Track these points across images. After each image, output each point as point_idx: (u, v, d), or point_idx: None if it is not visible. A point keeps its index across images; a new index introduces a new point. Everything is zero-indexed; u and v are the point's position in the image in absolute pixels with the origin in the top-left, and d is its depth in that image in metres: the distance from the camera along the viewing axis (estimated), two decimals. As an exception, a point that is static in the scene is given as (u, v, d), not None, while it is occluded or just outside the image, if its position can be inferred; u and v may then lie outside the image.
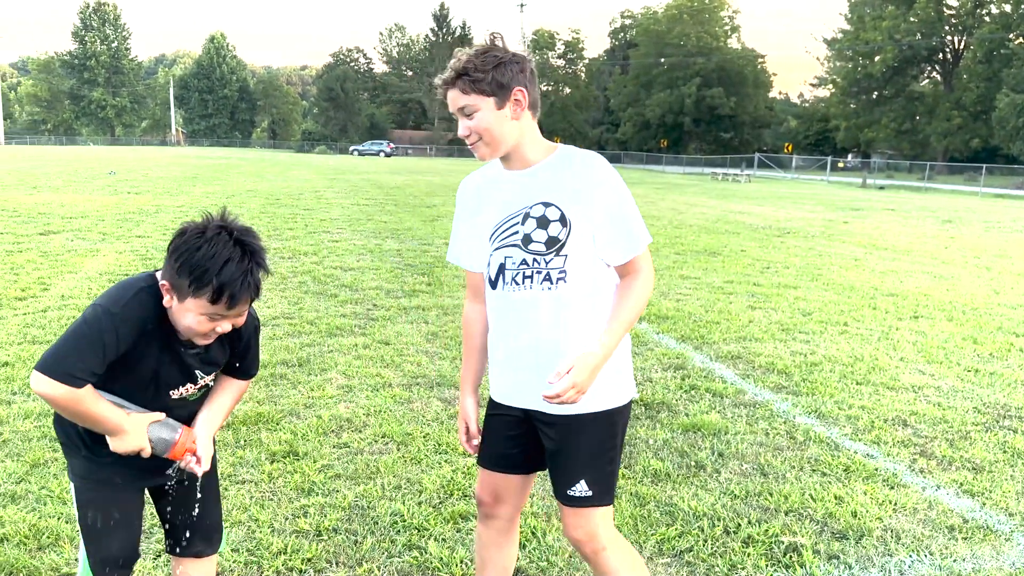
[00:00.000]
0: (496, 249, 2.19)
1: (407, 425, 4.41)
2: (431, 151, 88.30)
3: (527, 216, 2.12)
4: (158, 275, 1.96)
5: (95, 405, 1.88)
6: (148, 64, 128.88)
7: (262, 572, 2.93)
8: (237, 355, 2.16)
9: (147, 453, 1.98)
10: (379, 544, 3.14)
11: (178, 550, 2.25)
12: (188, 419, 2.11)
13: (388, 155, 75.38)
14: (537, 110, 2.15)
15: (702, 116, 78.03)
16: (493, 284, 2.21)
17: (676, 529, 3.34)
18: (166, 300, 1.91)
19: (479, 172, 2.32)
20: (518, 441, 2.30)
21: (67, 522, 3.18)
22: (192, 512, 2.21)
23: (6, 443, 3.95)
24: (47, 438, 3.99)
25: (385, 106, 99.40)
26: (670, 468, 3.95)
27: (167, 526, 2.25)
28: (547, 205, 2.10)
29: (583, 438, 2.18)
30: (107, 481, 2.06)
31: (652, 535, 3.28)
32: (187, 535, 2.23)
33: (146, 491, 2.22)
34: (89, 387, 1.85)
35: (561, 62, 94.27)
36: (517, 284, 2.14)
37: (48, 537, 3.06)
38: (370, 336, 6.29)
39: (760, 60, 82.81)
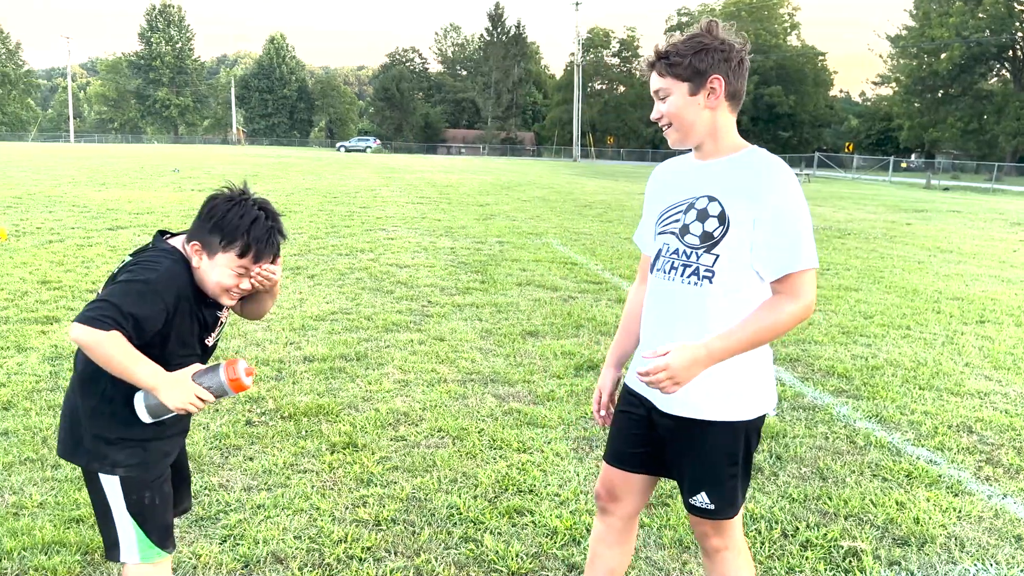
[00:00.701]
0: (659, 234, 2.19)
1: (462, 420, 4.46)
2: (484, 150, 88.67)
3: (691, 207, 2.09)
4: (176, 243, 2.15)
5: (122, 352, 1.95)
6: (210, 64, 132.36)
7: (323, 559, 3.00)
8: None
9: (211, 399, 2.06)
10: (436, 536, 3.20)
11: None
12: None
13: (375, 151, 75.78)
14: (738, 102, 2.09)
15: (760, 114, 76.76)
16: (652, 268, 2.21)
17: (732, 530, 3.31)
18: (195, 260, 2.10)
19: (674, 159, 2.29)
20: (641, 441, 2.25)
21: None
22: (187, 470, 2.47)
23: (81, 428, 4.11)
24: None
25: (439, 105, 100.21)
26: (726, 469, 3.91)
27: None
28: (711, 199, 2.04)
29: (705, 448, 2.10)
30: (159, 459, 2.20)
31: (708, 535, 3.26)
32: (182, 494, 2.42)
33: None
34: (117, 334, 1.93)
35: (616, 60, 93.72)
36: (665, 273, 2.12)
37: (121, 519, 3.19)
38: (425, 332, 6.37)
39: (820, 57, 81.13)
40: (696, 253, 2.05)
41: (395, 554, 3.06)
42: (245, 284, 2.14)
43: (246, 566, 2.94)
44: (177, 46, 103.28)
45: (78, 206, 15.05)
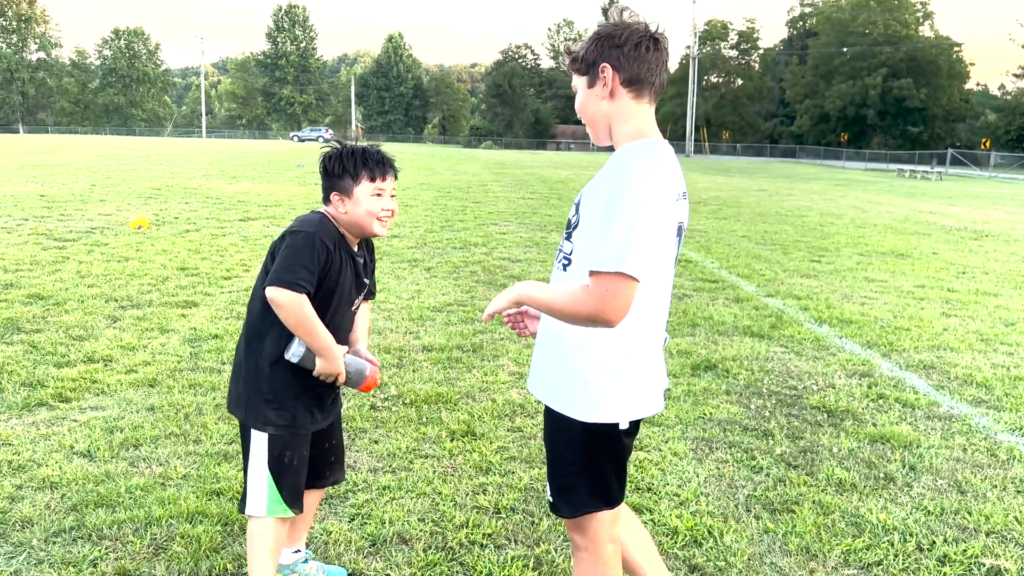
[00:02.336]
0: None
1: (578, 415, 4.45)
2: (593, 146, 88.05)
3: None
4: (323, 208, 2.49)
5: (311, 315, 2.31)
6: (332, 63, 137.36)
7: (447, 542, 3.07)
8: (372, 273, 2.64)
9: (342, 379, 2.42)
10: (555, 527, 3.21)
11: (320, 482, 2.69)
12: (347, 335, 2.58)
13: (327, 141, 76.75)
14: (642, 87, 1.95)
15: (888, 109, 73.01)
16: None
17: (863, 541, 3.17)
18: (340, 208, 2.41)
19: None
20: None
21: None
22: (340, 446, 2.73)
23: (219, 407, 4.36)
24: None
25: (550, 101, 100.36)
26: (856, 478, 3.76)
27: (319, 463, 2.64)
28: (583, 191, 2.04)
29: (547, 438, 2.12)
30: (304, 426, 2.46)
31: (837, 545, 3.14)
32: (334, 467, 2.70)
33: None
34: (306, 298, 2.29)
35: (734, 53, 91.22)
36: (556, 260, 2.15)
37: (257, 493, 3.36)
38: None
39: (956, 48, 76.32)
40: (563, 241, 2.07)
41: (515, 542, 3.10)
42: (387, 203, 2.43)
43: (373, 545, 3.04)
44: (301, 46, 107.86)
45: (211, 198, 15.94)
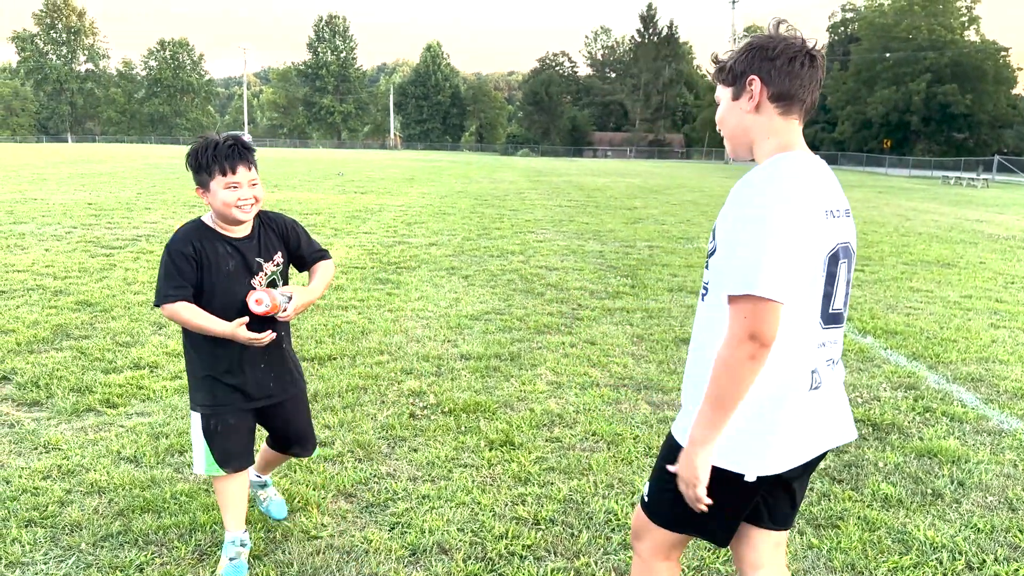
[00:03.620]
0: None
1: (616, 425, 4.43)
2: (630, 153, 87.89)
3: None
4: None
5: (194, 316, 2.63)
6: (371, 73, 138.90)
7: (486, 553, 3.07)
8: (294, 243, 2.89)
9: (252, 338, 2.67)
10: (595, 540, 3.19)
11: (282, 450, 3.11)
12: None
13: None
14: (791, 104, 1.87)
15: (932, 115, 71.53)
16: None
17: (911, 559, 3.10)
18: (206, 203, 2.67)
19: None
20: None
21: (312, 489, 3.52)
22: (297, 425, 3.02)
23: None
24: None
25: (587, 108, 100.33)
26: (903, 494, 3.67)
27: (273, 435, 3.07)
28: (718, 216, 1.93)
29: (664, 450, 2.06)
30: (224, 399, 2.78)
31: (883, 562, 3.07)
32: (286, 440, 3.05)
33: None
34: (182, 303, 2.61)
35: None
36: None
37: (299, 501, 3.40)
38: (576, 335, 6.38)
39: (1003, 53, 74.60)
40: (704, 270, 1.96)
41: (555, 554, 3.09)
42: (243, 194, 2.64)
43: (413, 554, 3.05)
44: (341, 55, 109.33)
45: (253, 206, 16.17)
